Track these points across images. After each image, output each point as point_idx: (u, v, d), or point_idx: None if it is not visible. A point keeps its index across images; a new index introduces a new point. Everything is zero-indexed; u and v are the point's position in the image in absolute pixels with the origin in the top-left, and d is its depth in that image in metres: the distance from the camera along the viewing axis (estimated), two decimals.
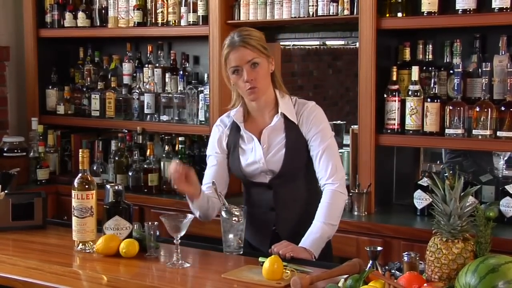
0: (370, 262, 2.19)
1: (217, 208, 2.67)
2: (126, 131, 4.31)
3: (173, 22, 4.11)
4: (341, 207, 2.63)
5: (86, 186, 2.59)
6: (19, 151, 4.30)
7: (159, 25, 4.16)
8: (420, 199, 3.42)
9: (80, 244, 2.60)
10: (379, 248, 2.22)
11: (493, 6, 3.19)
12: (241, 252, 2.56)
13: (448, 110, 3.30)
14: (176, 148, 4.09)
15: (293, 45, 6.67)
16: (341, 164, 2.68)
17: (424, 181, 3.40)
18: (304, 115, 2.66)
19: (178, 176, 2.51)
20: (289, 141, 2.64)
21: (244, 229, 2.57)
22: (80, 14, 4.47)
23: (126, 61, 4.41)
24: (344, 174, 2.69)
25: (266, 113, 2.69)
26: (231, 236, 2.55)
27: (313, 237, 2.52)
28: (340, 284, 2.06)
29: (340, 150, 3.63)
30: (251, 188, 2.75)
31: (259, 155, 2.65)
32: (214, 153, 2.76)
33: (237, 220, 2.54)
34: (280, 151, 2.64)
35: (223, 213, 2.55)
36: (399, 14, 3.45)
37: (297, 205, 2.68)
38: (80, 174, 2.61)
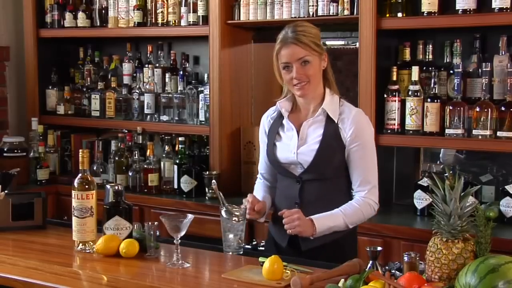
0: (370, 262, 2.19)
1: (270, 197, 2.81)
2: (126, 131, 4.30)
3: (173, 22, 4.11)
4: (365, 218, 2.66)
5: (86, 186, 2.59)
6: (19, 151, 4.30)
7: (159, 25, 4.16)
8: (420, 199, 3.42)
9: (80, 244, 2.60)
10: (379, 248, 2.22)
11: (493, 6, 3.19)
12: (241, 252, 2.56)
13: (448, 110, 3.30)
14: (176, 148, 4.09)
15: None
16: (377, 180, 2.67)
17: (424, 181, 3.40)
18: (346, 119, 2.63)
19: (250, 207, 2.61)
20: (325, 138, 2.62)
21: (244, 229, 2.58)
22: (80, 14, 4.47)
23: (126, 61, 4.41)
24: (378, 192, 2.68)
25: (311, 108, 2.69)
26: (231, 236, 2.55)
27: (327, 223, 2.54)
28: (340, 284, 2.06)
29: None
30: (281, 180, 2.76)
31: (293, 145, 2.66)
32: (262, 142, 2.81)
33: (237, 220, 2.54)
34: (313, 145, 2.62)
35: (223, 213, 2.56)
36: (399, 14, 3.44)
37: (322, 206, 2.62)
38: (80, 174, 2.61)
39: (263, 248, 2.94)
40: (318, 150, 2.61)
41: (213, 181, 2.79)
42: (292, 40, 2.55)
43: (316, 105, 2.67)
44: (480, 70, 3.32)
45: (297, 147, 2.64)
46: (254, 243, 3.25)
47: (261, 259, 2.34)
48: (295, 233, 2.51)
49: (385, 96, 3.47)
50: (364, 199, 2.62)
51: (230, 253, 2.56)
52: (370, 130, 2.69)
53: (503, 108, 3.19)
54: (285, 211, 2.54)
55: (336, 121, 2.63)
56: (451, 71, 3.39)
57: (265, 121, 2.81)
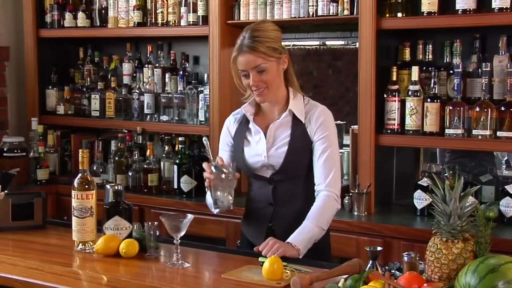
0: (370, 262, 2.19)
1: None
2: (126, 131, 4.30)
3: (173, 22, 4.11)
4: (332, 213, 2.64)
5: (86, 186, 2.59)
6: (19, 151, 4.30)
7: (159, 25, 4.16)
8: (420, 199, 3.42)
9: (80, 244, 2.60)
10: (379, 248, 2.22)
11: (493, 6, 3.19)
12: (232, 208, 2.55)
13: (448, 110, 3.30)
14: (176, 148, 4.09)
15: (293, 45, 6.65)
16: (340, 174, 2.68)
17: (424, 181, 3.40)
18: (312, 116, 2.66)
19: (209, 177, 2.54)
20: (294, 139, 2.64)
21: (235, 186, 2.55)
22: (80, 14, 4.47)
23: (126, 61, 4.41)
24: (340, 186, 2.68)
25: (276, 109, 2.70)
26: (219, 193, 2.53)
27: (303, 237, 2.52)
28: (340, 284, 2.06)
29: (340, 150, 3.62)
30: (253, 182, 2.77)
31: (262, 149, 2.67)
32: (225, 144, 2.79)
33: (226, 175, 2.52)
34: (283, 147, 2.64)
35: (213, 169, 2.52)
36: (399, 14, 3.45)
37: (295, 203, 2.68)
38: (80, 174, 2.61)
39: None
40: (287, 151, 2.63)
41: (204, 138, 2.71)
42: (247, 49, 2.55)
43: (281, 107, 2.69)
44: (480, 70, 3.32)
45: (267, 150, 2.66)
46: None
47: (261, 259, 2.34)
48: (281, 254, 2.37)
49: (385, 96, 3.47)
50: (325, 194, 2.61)
51: (219, 210, 2.54)
52: (334, 128, 2.70)
53: (503, 108, 3.20)
54: (258, 247, 2.47)
55: (303, 121, 2.66)
56: (451, 71, 3.39)
57: (230, 124, 2.79)
